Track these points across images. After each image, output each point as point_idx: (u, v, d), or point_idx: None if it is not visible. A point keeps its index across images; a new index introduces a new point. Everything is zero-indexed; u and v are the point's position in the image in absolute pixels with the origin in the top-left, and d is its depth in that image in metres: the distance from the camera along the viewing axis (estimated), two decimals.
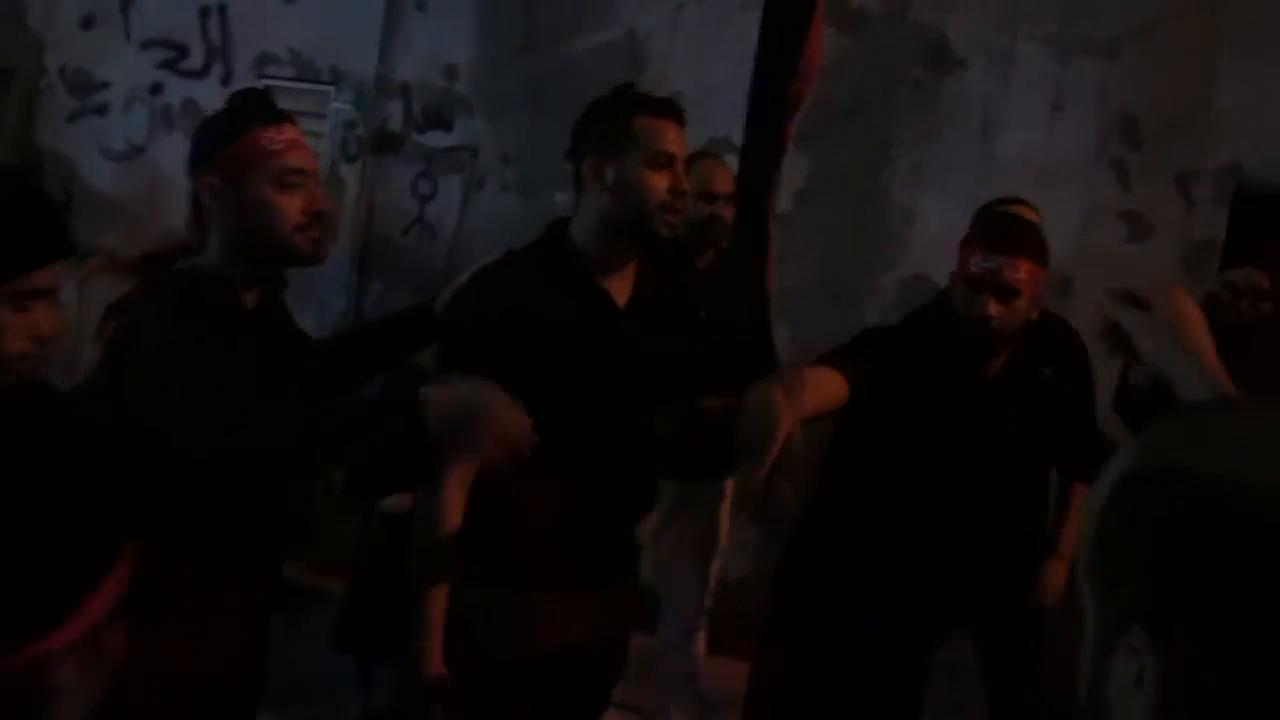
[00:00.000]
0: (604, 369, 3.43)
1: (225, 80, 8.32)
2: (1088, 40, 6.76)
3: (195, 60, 8.51)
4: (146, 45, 8.64)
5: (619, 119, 3.39)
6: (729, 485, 5.45)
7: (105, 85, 8.76)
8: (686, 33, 7.50)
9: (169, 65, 8.58)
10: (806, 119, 6.19)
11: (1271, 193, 6.30)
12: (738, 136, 6.36)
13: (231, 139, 3.13)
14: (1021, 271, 3.75)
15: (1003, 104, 6.90)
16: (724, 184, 5.25)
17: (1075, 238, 6.38)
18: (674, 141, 3.39)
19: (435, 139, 7.93)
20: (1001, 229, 3.95)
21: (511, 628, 3.41)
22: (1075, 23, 6.80)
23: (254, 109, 3.24)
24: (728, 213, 5.23)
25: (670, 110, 3.44)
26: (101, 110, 8.78)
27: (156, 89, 8.60)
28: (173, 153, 8.29)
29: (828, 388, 3.70)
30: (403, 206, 7.94)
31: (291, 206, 3.10)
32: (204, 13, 8.48)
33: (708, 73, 7.25)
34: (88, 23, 8.79)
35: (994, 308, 3.75)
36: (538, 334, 3.32)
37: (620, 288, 3.49)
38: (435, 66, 7.95)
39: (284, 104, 3.35)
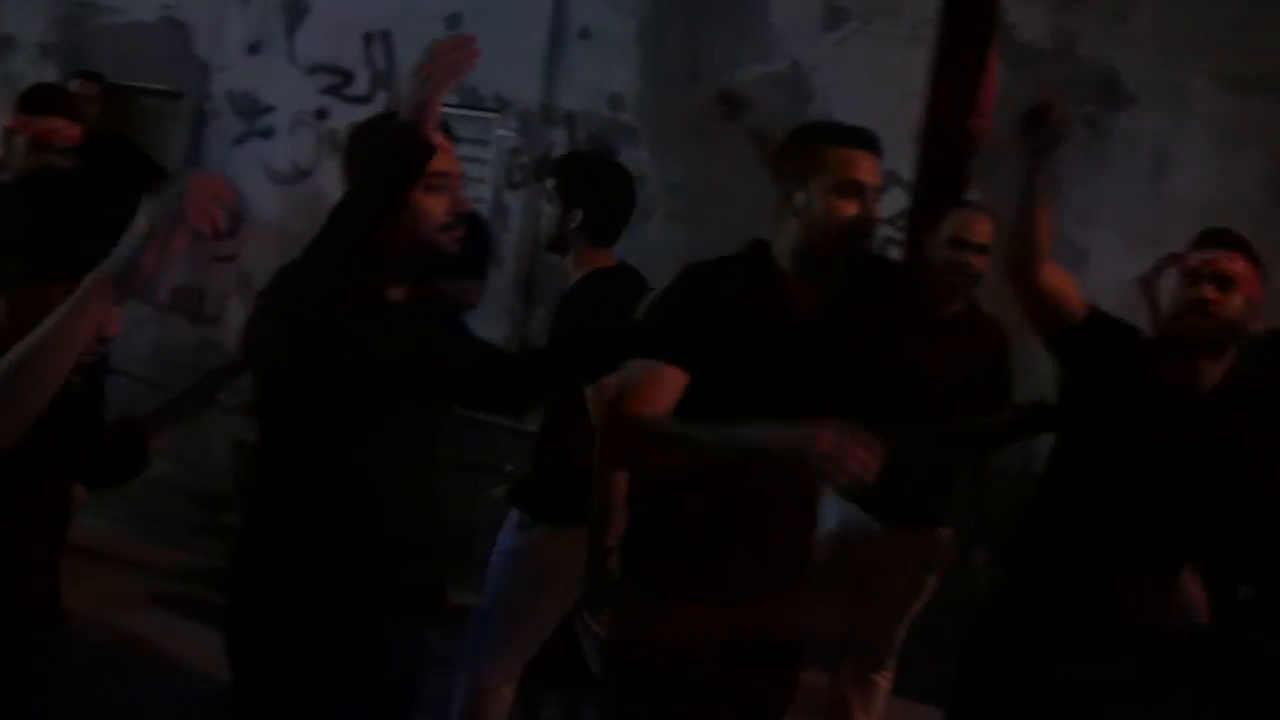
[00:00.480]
0: (787, 377, 3.48)
1: (390, 106, 8.48)
2: (1262, 75, 6.74)
3: (360, 86, 8.72)
4: (312, 70, 8.86)
5: (810, 147, 3.52)
6: (945, 534, 5.42)
7: (271, 109, 9.00)
8: (851, 65, 7.56)
9: (334, 90, 8.79)
10: None
11: None
12: (903, 169, 6.39)
13: (378, 141, 3.23)
14: (1237, 264, 3.93)
15: (1175, 141, 6.92)
16: (976, 234, 5.18)
17: None
18: (865, 170, 3.47)
19: None
20: (1219, 230, 4.08)
21: (658, 636, 3.46)
22: (1249, 58, 6.79)
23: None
24: (978, 263, 5.18)
25: (862, 140, 3.52)
26: (267, 134, 9.02)
27: (321, 114, 8.82)
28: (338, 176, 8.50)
29: (1070, 285, 4.06)
30: None
31: (436, 207, 3.22)
32: (368, 39, 8.68)
33: (872, 105, 7.27)
34: (254, 48, 9.03)
35: (1211, 293, 3.89)
36: (732, 329, 3.41)
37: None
38: (600, 95, 8.08)
39: None
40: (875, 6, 7.51)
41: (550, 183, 4.70)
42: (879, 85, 7.33)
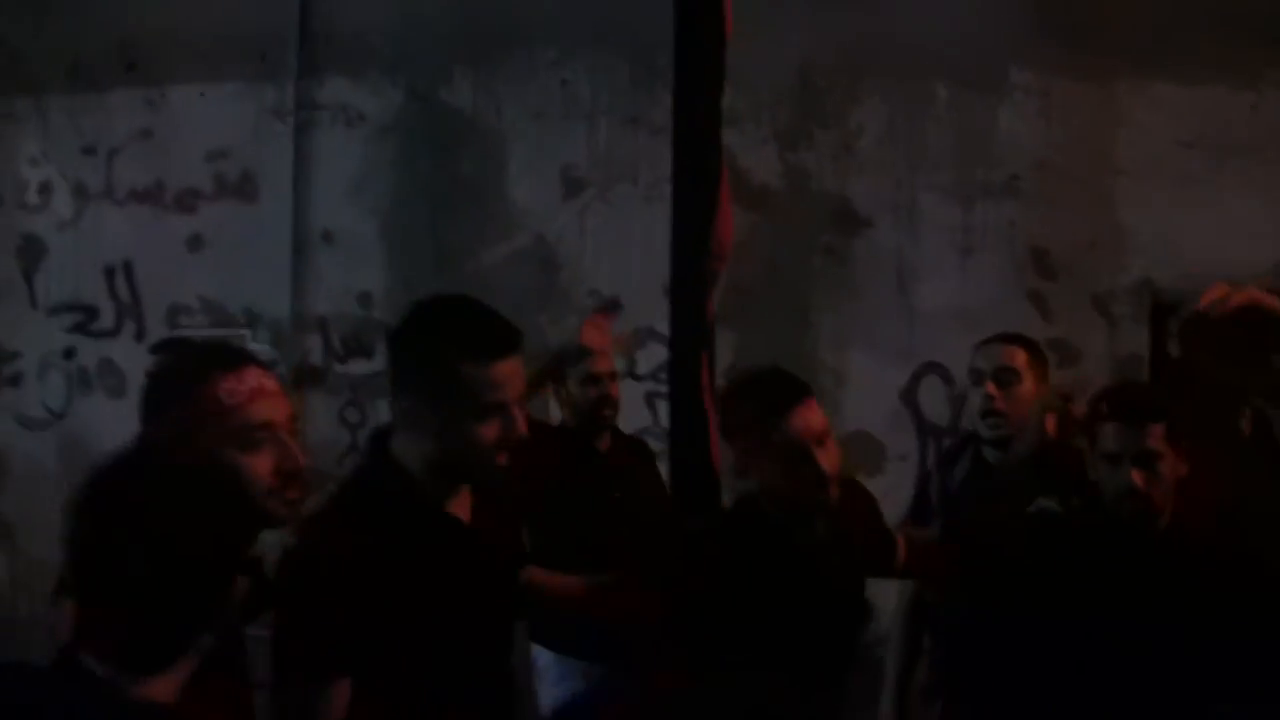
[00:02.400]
0: (462, 593, 3.18)
1: (139, 336, 8.66)
2: (987, 183, 7.26)
3: (106, 320, 8.82)
4: (55, 311, 8.96)
5: (441, 364, 3.09)
6: None
7: (16, 355, 9.06)
8: (595, 231, 7.88)
9: (80, 328, 8.89)
10: (727, 298, 6.44)
11: (1185, 302, 6.76)
12: (659, 324, 6.69)
13: (182, 394, 2.80)
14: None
15: (914, 256, 7.37)
16: (604, 364, 5.63)
17: None
18: (508, 384, 3.11)
19: (358, 367, 8.28)
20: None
21: None
22: (972, 168, 7.29)
23: (208, 356, 2.92)
24: (614, 391, 5.66)
25: (502, 348, 3.12)
26: (15, 381, 9.04)
27: (69, 353, 8.90)
28: (93, 414, 8.70)
29: None
30: (334, 437, 8.19)
31: (260, 466, 2.77)
32: (109, 272, 8.81)
33: (622, 267, 7.65)
34: None
35: None
36: (388, 579, 2.99)
37: (461, 503, 3.27)
38: (349, 296, 8.31)
39: None
40: (611, 172, 7.89)
41: None
42: (626, 247, 7.71)
